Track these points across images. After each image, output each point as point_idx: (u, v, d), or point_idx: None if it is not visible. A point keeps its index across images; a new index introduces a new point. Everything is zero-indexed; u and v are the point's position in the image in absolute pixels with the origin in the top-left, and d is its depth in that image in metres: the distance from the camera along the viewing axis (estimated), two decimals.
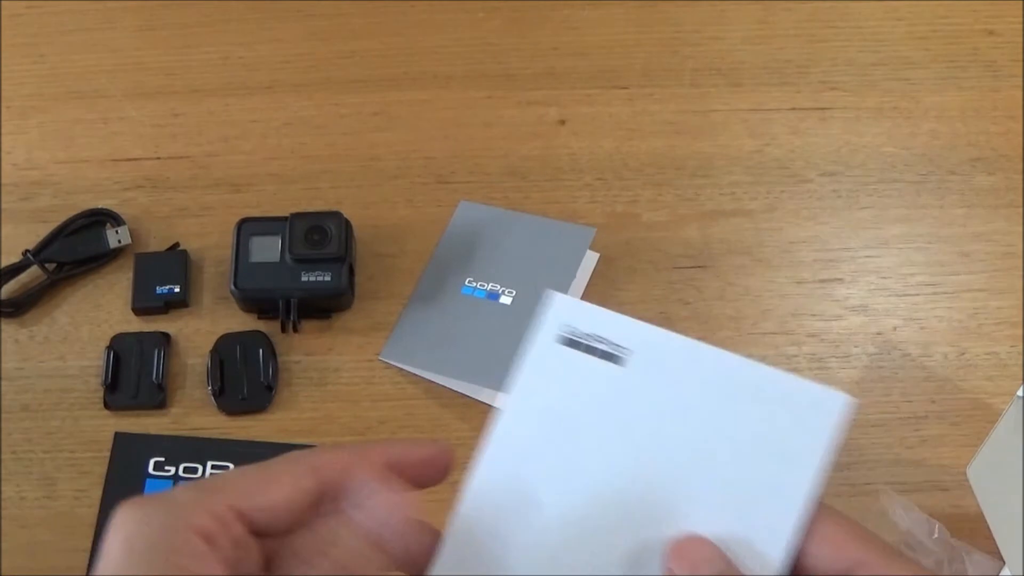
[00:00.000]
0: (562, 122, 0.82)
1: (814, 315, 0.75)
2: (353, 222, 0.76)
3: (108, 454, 0.71)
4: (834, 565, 0.33)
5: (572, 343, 0.35)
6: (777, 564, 0.33)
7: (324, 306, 0.75)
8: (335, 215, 0.75)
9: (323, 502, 0.33)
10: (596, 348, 0.35)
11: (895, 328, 0.75)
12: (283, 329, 0.74)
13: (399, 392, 0.73)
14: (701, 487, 0.33)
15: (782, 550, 0.33)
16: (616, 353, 0.35)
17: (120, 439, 0.71)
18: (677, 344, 0.35)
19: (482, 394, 0.72)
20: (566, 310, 0.36)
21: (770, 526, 0.33)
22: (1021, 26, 0.86)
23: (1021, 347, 0.74)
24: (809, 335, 0.75)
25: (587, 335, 0.35)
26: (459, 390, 0.73)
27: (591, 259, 0.77)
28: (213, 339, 0.74)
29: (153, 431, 0.72)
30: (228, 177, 0.80)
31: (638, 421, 0.34)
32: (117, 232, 0.76)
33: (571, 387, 0.35)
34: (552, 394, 0.35)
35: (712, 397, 0.34)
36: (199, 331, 0.75)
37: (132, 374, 0.73)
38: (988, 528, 0.64)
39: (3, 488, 0.70)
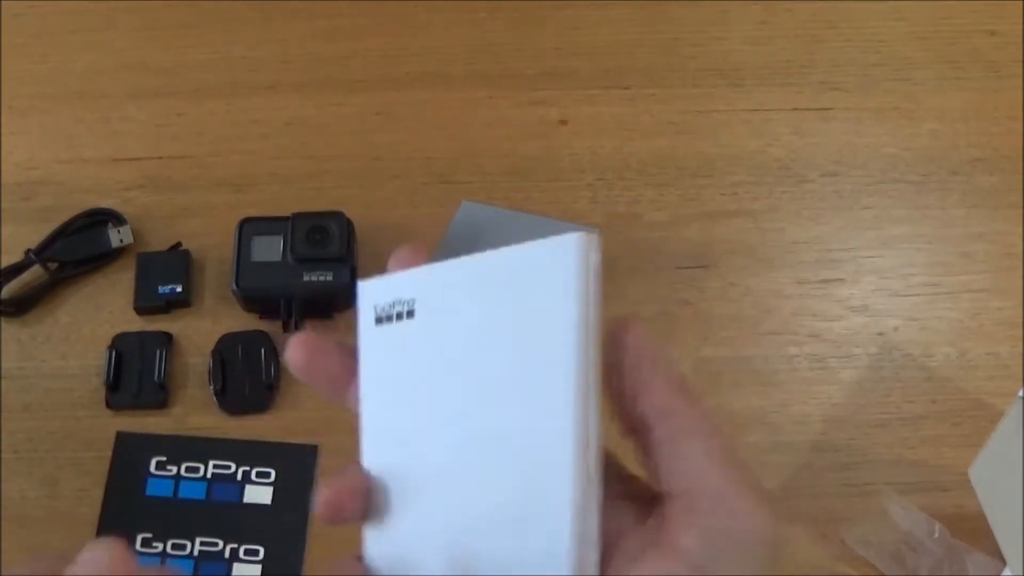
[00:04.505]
0: (564, 122, 0.83)
1: (815, 315, 0.75)
2: (355, 222, 0.76)
3: (110, 453, 0.71)
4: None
5: (380, 320, 0.36)
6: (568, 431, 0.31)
7: (326, 306, 0.75)
8: (337, 215, 0.75)
9: None
10: (395, 313, 0.36)
11: (896, 328, 0.75)
12: (285, 329, 0.74)
13: None
14: (504, 392, 0.33)
15: (569, 408, 0.31)
16: (405, 309, 0.36)
17: (122, 438, 0.71)
18: (439, 272, 0.35)
19: None
20: (370, 293, 0.37)
21: (549, 392, 0.32)
22: (1022, 26, 0.86)
23: (1022, 348, 0.74)
24: (810, 335, 0.75)
25: (386, 306, 0.36)
26: None
27: None
28: (215, 339, 0.74)
29: (155, 430, 0.72)
30: (230, 177, 0.80)
31: (447, 360, 0.34)
32: (119, 232, 0.77)
33: (395, 358, 0.36)
34: (387, 372, 0.36)
35: (483, 303, 0.34)
36: (201, 331, 0.75)
37: (134, 374, 0.73)
38: (988, 528, 0.64)
39: (5, 487, 0.70)
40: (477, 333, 0.34)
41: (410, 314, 0.35)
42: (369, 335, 0.36)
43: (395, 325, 0.36)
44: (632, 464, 0.35)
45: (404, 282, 0.36)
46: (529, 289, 0.33)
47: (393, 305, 0.36)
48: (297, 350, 0.37)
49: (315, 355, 0.37)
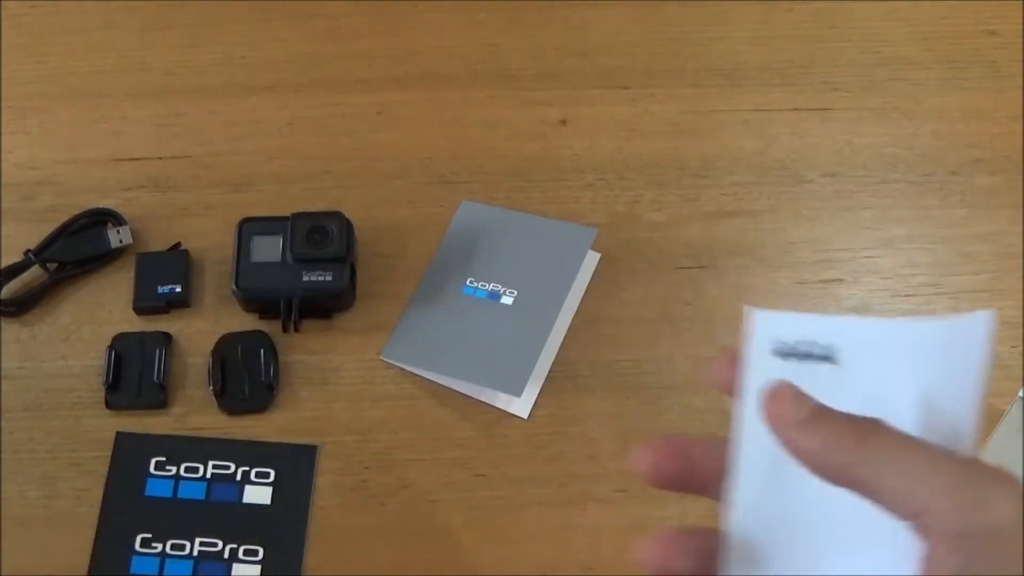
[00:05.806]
0: (564, 122, 0.82)
1: None
2: (354, 222, 0.76)
3: (110, 454, 0.71)
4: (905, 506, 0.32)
5: (786, 355, 0.36)
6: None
7: (325, 306, 0.75)
8: (336, 215, 0.75)
9: None
10: (811, 353, 0.36)
11: None
12: (284, 329, 0.74)
13: (400, 392, 0.73)
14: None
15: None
16: (829, 353, 0.36)
17: (121, 439, 0.71)
18: (879, 328, 0.36)
19: (483, 394, 0.72)
20: (771, 324, 0.37)
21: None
22: (1022, 27, 0.86)
23: (1022, 348, 0.74)
24: None
25: (797, 343, 0.36)
26: (460, 390, 0.73)
27: (593, 259, 0.77)
28: (214, 339, 0.74)
29: (154, 431, 0.72)
30: (230, 177, 0.80)
31: (864, 409, 0.35)
32: (119, 232, 0.77)
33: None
34: None
35: (915, 365, 0.35)
36: (200, 331, 0.75)
37: (134, 374, 0.73)
38: None
39: (4, 488, 0.70)
40: (900, 395, 0.35)
41: (832, 358, 0.35)
42: (763, 365, 0.36)
43: (805, 364, 0.36)
44: None
45: (821, 325, 0.36)
46: (950, 361, 0.35)
47: (808, 344, 0.36)
48: (646, 459, 0.36)
49: (668, 460, 0.36)
